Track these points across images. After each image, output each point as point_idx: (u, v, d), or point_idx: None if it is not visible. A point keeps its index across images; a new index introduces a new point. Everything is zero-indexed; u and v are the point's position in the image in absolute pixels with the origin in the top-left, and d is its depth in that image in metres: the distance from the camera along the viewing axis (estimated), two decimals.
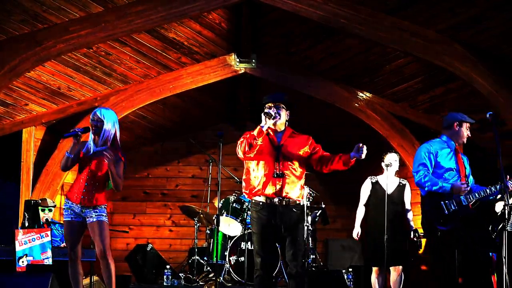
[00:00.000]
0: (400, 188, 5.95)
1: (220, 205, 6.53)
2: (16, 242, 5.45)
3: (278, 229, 4.23)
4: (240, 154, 4.27)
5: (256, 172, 4.30)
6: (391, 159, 5.90)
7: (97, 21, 5.69)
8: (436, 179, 4.66)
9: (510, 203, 4.38)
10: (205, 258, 7.07)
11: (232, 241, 6.74)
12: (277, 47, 6.82)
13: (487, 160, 6.55)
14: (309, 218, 6.78)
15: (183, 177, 9.06)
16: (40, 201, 6.50)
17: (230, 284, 6.56)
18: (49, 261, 5.48)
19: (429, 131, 7.06)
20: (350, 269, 6.52)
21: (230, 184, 7.99)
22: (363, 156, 4.13)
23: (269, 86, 7.24)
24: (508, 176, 4.52)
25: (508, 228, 4.76)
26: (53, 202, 6.74)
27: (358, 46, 6.27)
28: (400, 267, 5.80)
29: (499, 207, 5.78)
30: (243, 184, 4.44)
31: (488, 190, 4.58)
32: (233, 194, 7.11)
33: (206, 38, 6.52)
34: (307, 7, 5.58)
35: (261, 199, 4.25)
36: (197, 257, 7.04)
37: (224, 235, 7.06)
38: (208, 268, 6.99)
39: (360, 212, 5.94)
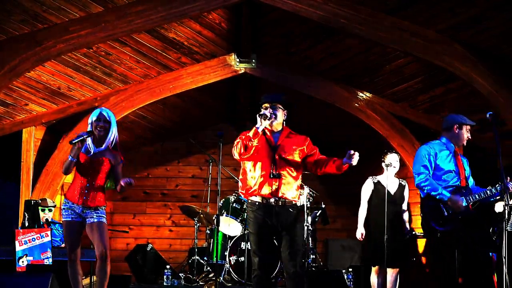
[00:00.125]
0: (401, 189, 5.96)
1: (220, 205, 6.53)
2: (16, 242, 5.45)
3: (274, 229, 4.23)
4: (236, 156, 4.27)
5: (253, 172, 4.29)
6: (392, 160, 5.89)
7: (97, 21, 5.69)
8: (437, 184, 4.66)
9: (510, 203, 4.38)
10: (205, 258, 7.07)
11: (232, 241, 6.74)
12: (277, 47, 6.82)
13: (487, 160, 6.55)
14: (309, 218, 6.78)
15: (183, 177, 9.06)
16: (40, 201, 6.50)
17: (230, 284, 6.56)
18: (49, 261, 5.47)
19: (429, 131, 7.07)
20: (350, 269, 6.52)
21: (230, 184, 7.99)
22: (355, 162, 4.16)
23: (269, 86, 7.24)
24: (508, 178, 4.52)
25: (508, 228, 4.76)
26: (53, 202, 6.74)
27: (358, 46, 6.26)
28: (397, 269, 5.79)
29: (499, 207, 5.78)
30: (240, 184, 4.44)
31: (488, 192, 4.58)
32: (233, 194, 7.11)
33: (206, 38, 6.52)
34: (307, 7, 5.58)
35: (257, 199, 4.25)
36: (197, 257, 7.04)
37: (224, 235, 7.06)
38: (208, 268, 7.00)
39: (363, 212, 5.91)
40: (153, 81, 6.99)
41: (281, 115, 4.37)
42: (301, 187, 6.76)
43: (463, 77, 5.84)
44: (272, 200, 4.22)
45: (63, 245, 6.35)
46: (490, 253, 5.30)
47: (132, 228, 8.70)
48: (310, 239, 6.80)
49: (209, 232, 7.31)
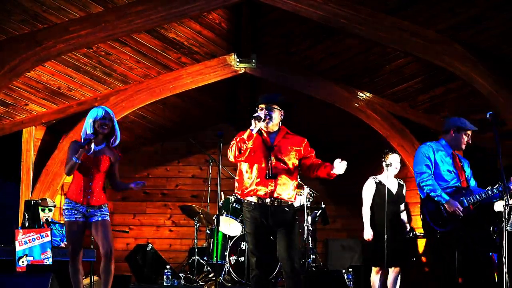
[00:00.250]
0: (401, 189, 5.97)
1: (220, 205, 6.53)
2: (16, 242, 5.45)
3: (271, 229, 4.23)
4: (231, 158, 4.27)
5: (249, 173, 4.29)
6: (393, 160, 5.89)
7: (97, 21, 5.68)
8: (437, 185, 4.67)
9: (510, 203, 4.38)
10: (205, 258, 7.07)
11: (232, 241, 6.74)
12: (277, 47, 6.82)
13: (487, 160, 6.55)
14: (309, 218, 6.79)
15: (183, 177, 9.06)
16: (40, 201, 6.49)
17: (230, 284, 6.56)
18: (49, 261, 5.47)
19: (429, 131, 7.07)
20: (350, 269, 6.51)
21: (230, 184, 7.95)
22: (340, 171, 4.20)
23: (269, 86, 7.24)
24: (511, 178, 4.52)
25: (508, 228, 4.76)
26: (53, 202, 6.74)
27: (358, 46, 6.26)
28: (398, 268, 5.79)
29: (498, 206, 5.77)
30: (236, 184, 4.43)
31: (489, 192, 4.58)
32: (233, 194, 7.11)
33: (206, 38, 6.52)
34: (307, 7, 5.58)
35: (253, 199, 4.26)
36: (197, 257, 7.04)
37: (224, 235, 7.06)
38: (208, 268, 6.99)
39: (367, 213, 5.87)
40: (153, 81, 6.98)
41: (277, 115, 4.34)
42: (301, 187, 6.79)
43: (463, 77, 5.84)
44: (267, 200, 4.22)
45: (63, 245, 6.35)
46: (491, 253, 5.31)
47: (132, 228, 8.71)
48: (310, 239, 6.80)
49: (209, 232, 7.31)
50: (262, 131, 4.34)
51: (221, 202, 6.94)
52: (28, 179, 7.19)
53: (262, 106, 4.33)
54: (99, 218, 4.53)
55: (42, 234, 5.56)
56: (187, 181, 9.04)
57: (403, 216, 5.97)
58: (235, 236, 6.80)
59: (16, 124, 7.24)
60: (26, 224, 6.21)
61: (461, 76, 5.85)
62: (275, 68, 7.01)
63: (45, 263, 5.43)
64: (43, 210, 6.42)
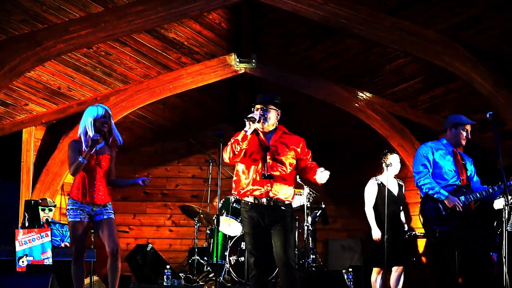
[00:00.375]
0: (401, 189, 5.98)
1: (220, 205, 6.53)
2: (16, 242, 5.45)
3: (268, 229, 4.23)
4: (226, 159, 4.29)
5: (246, 173, 4.29)
6: (393, 160, 5.90)
7: (97, 21, 5.68)
8: (435, 183, 4.67)
9: (510, 203, 4.38)
10: (205, 258, 7.07)
11: (232, 241, 6.74)
12: (277, 47, 6.82)
13: (487, 160, 6.55)
14: (309, 218, 6.79)
15: (183, 177, 9.06)
16: (40, 201, 6.49)
17: (230, 284, 6.56)
18: (49, 261, 5.47)
19: (429, 131, 7.07)
20: (350, 269, 6.51)
21: (230, 184, 7.94)
22: (322, 181, 4.21)
23: (269, 86, 7.24)
24: (511, 178, 4.52)
25: (508, 228, 4.76)
26: (53, 202, 6.74)
27: (358, 46, 6.26)
28: (401, 267, 5.80)
29: (498, 204, 5.78)
30: (233, 185, 4.42)
31: (490, 190, 4.58)
32: (231, 194, 7.11)
33: (206, 38, 6.52)
34: (307, 7, 5.58)
35: (250, 199, 4.26)
36: (197, 257, 7.04)
37: (224, 235, 7.06)
38: (208, 268, 7.00)
39: (371, 213, 5.87)
40: (153, 81, 6.98)
41: (273, 115, 4.33)
42: (301, 187, 6.79)
43: (463, 77, 5.84)
44: (264, 200, 4.22)
45: (63, 245, 6.36)
46: (491, 253, 5.30)
47: (132, 228, 8.70)
48: (310, 239, 6.80)
49: (209, 232, 7.31)
50: (259, 131, 4.33)
51: (221, 202, 6.94)
52: (28, 179, 7.19)
53: (258, 106, 4.31)
54: (105, 217, 4.55)
55: (42, 234, 5.57)
56: (187, 181, 9.04)
57: (402, 216, 5.98)
58: (235, 236, 6.80)
59: (16, 124, 7.24)
60: (26, 224, 6.21)
61: (461, 76, 5.85)
62: (275, 68, 7.01)
63: (45, 263, 5.43)
64: (43, 210, 6.42)
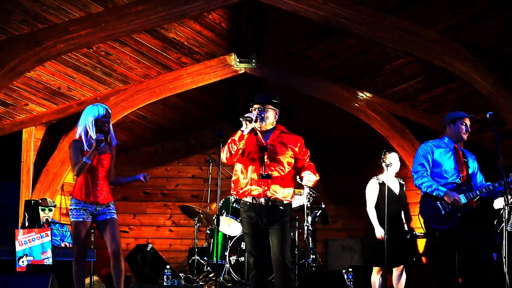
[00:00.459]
0: (402, 188, 5.98)
1: (220, 205, 6.53)
2: (16, 242, 5.45)
3: (266, 228, 4.22)
4: (223, 159, 4.29)
5: (244, 173, 4.28)
6: (393, 159, 5.90)
7: (97, 21, 5.68)
8: (432, 181, 4.67)
9: (510, 203, 4.38)
10: (205, 258, 7.07)
11: (232, 241, 6.74)
12: (277, 47, 6.82)
13: (487, 160, 6.54)
14: (309, 218, 6.78)
15: (183, 177, 9.05)
16: (40, 201, 6.49)
17: (230, 284, 6.56)
18: (49, 261, 5.47)
19: (429, 131, 7.07)
20: (350, 269, 6.51)
21: (230, 184, 7.97)
22: (307, 184, 4.18)
23: (269, 86, 7.23)
24: (510, 175, 4.52)
25: (508, 228, 4.76)
26: (53, 202, 6.74)
27: (358, 46, 6.27)
28: (402, 266, 5.80)
29: (498, 203, 5.78)
30: (232, 185, 4.41)
31: (490, 187, 4.57)
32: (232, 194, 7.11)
33: (206, 38, 6.52)
34: (307, 7, 5.58)
35: (248, 199, 4.26)
36: (197, 257, 7.04)
37: (224, 235, 7.06)
38: (208, 268, 6.99)
39: (373, 213, 5.87)
40: (153, 81, 6.99)
41: (271, 115, 4.31)
42: (301, 187, 6.78)
43: (463, 77, 5.84)
44: (262, 200, 4.21)
45: (63, 245, 6.35)
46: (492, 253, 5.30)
47: (132, 228, 8.70)
48: (310, 239, 6.79)
49: (209, 232, 7.31)
50: (257, 131, 4.32)
51: (221, 202, 6.94)
52: (28, 179, 7.19)
53: (256, 106, 4.31)
54: (108, 217, 4.56)
55: (42, 234, 5.56)
56: (187, 181, 9.04)
57: (402, 215, 5.98)
58: (235, 236, 6.80)
59: (16, 124, 7.24)
60: (26, 224, 6.21)
61: (461, 76, 5.85)
62: (275, 68, 7.01)
63: (45, 263, 5.43)
64: (43, 210, 6.42)
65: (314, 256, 6.85)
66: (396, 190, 5.91)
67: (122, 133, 8.24)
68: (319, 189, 7.59)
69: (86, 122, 4.58)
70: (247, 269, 6.08)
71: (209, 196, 7.91)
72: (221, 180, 5.83)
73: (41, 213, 6.38)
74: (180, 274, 6.91)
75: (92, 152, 4.45)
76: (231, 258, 6.68)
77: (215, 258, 6.78)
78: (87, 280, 5.80)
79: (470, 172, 4.78)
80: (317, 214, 7.02)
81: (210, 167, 7.86)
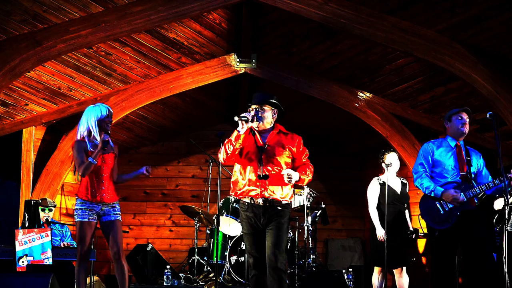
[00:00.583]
0: (404, 188, 5.96)
1: (220, 205, 6.53)
2: (16, 242, 5.45)
3: (264, 229, 4.21)
4: (221, 160, 4.29)
5: (242, 174, 4.27)
6: (392, 159, 5.89)
7: (97, 21, 5.68)
8: (431, 182, 4.67)
9: (510, 203, 4.37)
10: (205, 258, 7.07)
11: (232, 241, 6.74)
12: (277, 47, 6.81)
13: (487, 160, 6.55)
14: (309, 218, 6.79)
15: (183, 177, 9.05)
16: (40, 201, 6.50)
17: (230, 284, 6.56)
18: (49, 261, 5.47)
19: (429, 131, 7.07)
20: (350, 269, 6.51)
21: (230, 185, 7.98)
22: (290, 182, 4.15)
23: (269, 86, 7.24)
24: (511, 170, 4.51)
25: (508, 228, 4.75)
26: (53, 202, 6.74)
27: (359, 46, 6.27)
28: (403, 268, 5.79)
29: (498, 204, 5.78)
30: (231, 186, 4.40)
31: (490, 184, 4.55)
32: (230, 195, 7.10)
33: (206, 38, 6.52)
34: (307, 7, 5.58)
35: (247, 200, 4.25)
36: (197, 257, 7.04)
37: (224, 235, 7.06)
38: (208, 268, 6.99)
39: (375, 213, 5.87)
40: (153, 81, 6.98)
41: (269, 115, 4.30)
42: (301, 187, 6.78)
43: (463, 77, 5.84)
44: (260, 200, 4.20)
45: (62, 245, 6.36)
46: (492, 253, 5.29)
47: (132, 228, 8.70)
48: (310, 239, 6.80)
49: (209, 232, 7.31)
50: (255, 131, 4.31)
51: (221, 202, 6.94)
52: (28, 179, 7.19)
53: (254, 106, 4.30)
54: (112, 218, 4.56)
55: (42, 234, 5.56)
56: (187, 181, 9.04)
57: (407, 214, 5.95)
58: (235, 236, 6.80)
59: (16, 124, 7.24)
60: (26, 224, 6.21)
61: (461, 76, 5.84)
62: (275, 68, 7.01)
63: (45, 263, 5.43)
64: (43, 210, 6.43)
65: (314, 256, 6.85)
66: (398, 189, 5.90)
67: (122, 133, 8.24)
68: (319, 189, 7.60)
69: (89, 123, 4.58)
70: (247, 269, 6.08)
71: (209, 196, 7.92)
72: (221, 180, 5.84)
73: (41, 213, 6.39)
74: (180, 274, 6.91)
75: (98, 152, 4.45)
76: (231, 258, 6.68)
77: (215, 258, 6.78)
78: (87, 280, 5.80)
79: (473, 170, 4.74)
80: (317, 214, 7.03)
81: (210, 167, 7.86)
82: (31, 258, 5.45)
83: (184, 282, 6.73)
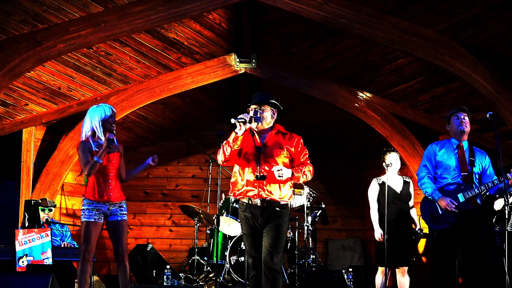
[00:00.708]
0: (406, 186, 5.92)
1: (220, 205, 6.53)
2: (16, 242, 5.46)
3: (262, 229, 4.20)
4: (219, 161, 4.29)
5: (241, 174, 4.26)
6: (392, 159, 5.88)
7: (97, 21, 5.69)
8: (431, 186, 4.70)
9: (510, 203, 4.38)
10: (205, 258, 7.07)
11: (232, 241, 6.74)
12: (277, 47, 6.82)
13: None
14: (309, 218, 6.79)
15: (183, 177, 9.05)
16: (40, 201, 6.50)
17: (230, 284, 6.56)
18: (49, 261, 5.47)
19: (429, 131, 7.07)
20: (350, 269, 6.51)
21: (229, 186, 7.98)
22: (282, 178, 4.11)
23: (269, 86, 7.24)
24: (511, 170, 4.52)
25: (508, 228, 4.76)
26: (53, 202, 6.74)
27: (359, 46, 6.27)
28: (406, 267, 5.78)
29: (498, 204, 5.78)
30: (230, 186, 4.39)
31: (490, 184, 4.56)
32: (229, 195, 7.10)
33: (206, 38, 6.52)
34: (307, 7, 5.58)
35: (245, 200, 4.24)
36: (197, 257, 7.04)
37: (224, 235, 7.06)
38: (208, 268, 6.99)
39: (375, 214, 5.84)
40: (153, 81, 6.99)
41: (268, 115, 4.28)
42: (301, 187, 6.79)
43: (463, 77, 5.84)
44: (258, 201, 4.18)
45: (62, 245, 6.36)
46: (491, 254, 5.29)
47: (132, 228, 8.70)
48: (310, 239, 6.80)
49: (209, 232, 7.31)
50: (254, 131, 4.29)
51: (221, 202, 6.93)
52: (28, 179, 7.19)
53: (253, 107, 4.28)
54: (118, 218, 4.56)
55: (42, 234, 5.57)
56: (187, 181, 9.04)
57: (413, 213, 5.91)
58: (235, 236, 6.80)
59: (16, 124, 7.24)
60: (26, 224, 6.21)
61: (461, 76, 5.84)
62: (275, 68, 7.01)
63: (45, 263, 5.43)
64: (43, 210, 6.43)
65: (314, 256, 6.85)
66: (398, 188, 5.86)
67: (122, 133, 8.24)
68: (319, 189, 7.60)
69: (93, 123, 4.56)
70: (247, 269, 6.08)
71: (209, 196, 7.92)
72: (221, 180, 5.84)
73: (41, 213, 6.38)
74: (180, 274, 6.91)
75: (103, 151, 4.46)
76: (231, 258, 6.68)
77: (215, 258, 6.78)
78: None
79: (476, 170, 4.73)
80: (317, 214, 7.03)
81: (210, 167, 7.86)
82: (31, 258, 5.45)
83: (184, 282, 6.73)
